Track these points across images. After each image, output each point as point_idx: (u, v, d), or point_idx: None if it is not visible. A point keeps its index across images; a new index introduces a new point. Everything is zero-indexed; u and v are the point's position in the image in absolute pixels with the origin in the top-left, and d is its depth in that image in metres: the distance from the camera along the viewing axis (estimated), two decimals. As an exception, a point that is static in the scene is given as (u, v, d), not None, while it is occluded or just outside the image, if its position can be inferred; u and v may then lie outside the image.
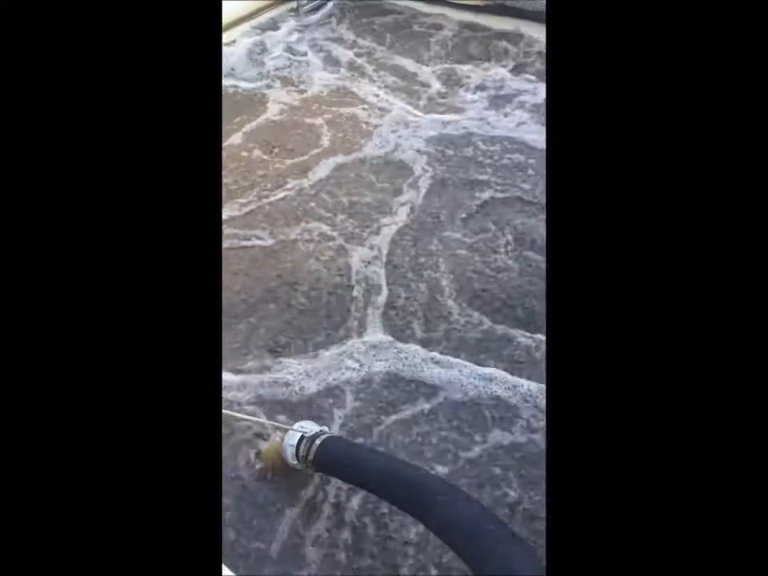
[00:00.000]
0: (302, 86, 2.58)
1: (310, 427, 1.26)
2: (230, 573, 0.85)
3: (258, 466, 1.32)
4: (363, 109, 2.44)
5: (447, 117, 2.38)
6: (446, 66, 2.70)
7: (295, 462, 1.22)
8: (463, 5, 2.97)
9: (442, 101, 2.49)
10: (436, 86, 2.59)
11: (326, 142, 2.27)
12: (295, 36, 2.90)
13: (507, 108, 2.41)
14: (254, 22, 2.98)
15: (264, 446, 1.34)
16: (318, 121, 2.38)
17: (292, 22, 2.99)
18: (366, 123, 2.36)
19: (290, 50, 2.80)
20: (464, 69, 2.66)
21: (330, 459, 1.17)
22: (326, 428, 1.28)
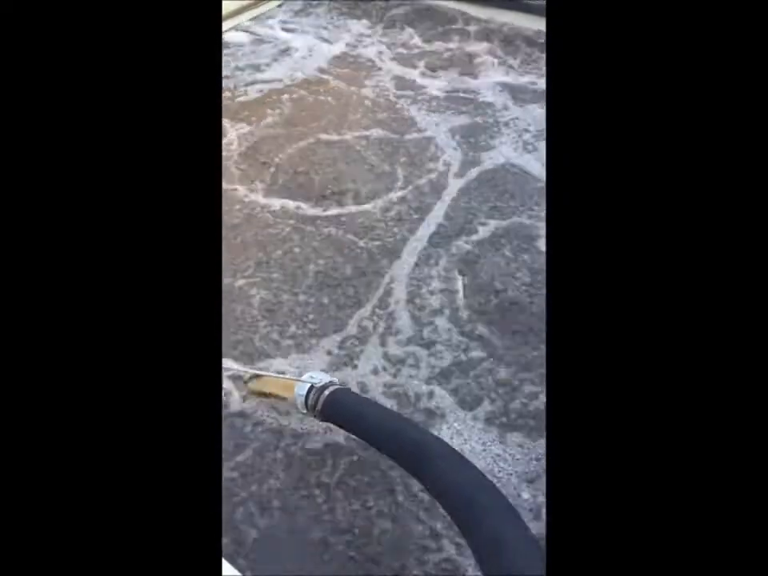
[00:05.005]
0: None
1: (319, 377, 1.27)
2: (231, 571, 0.87)
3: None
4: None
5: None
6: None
7: (305, 411, 1.24)
8: None
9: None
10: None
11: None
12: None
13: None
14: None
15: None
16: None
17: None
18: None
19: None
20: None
21: (337, 411, 1.19)
22: (335, 379, 1.29)
